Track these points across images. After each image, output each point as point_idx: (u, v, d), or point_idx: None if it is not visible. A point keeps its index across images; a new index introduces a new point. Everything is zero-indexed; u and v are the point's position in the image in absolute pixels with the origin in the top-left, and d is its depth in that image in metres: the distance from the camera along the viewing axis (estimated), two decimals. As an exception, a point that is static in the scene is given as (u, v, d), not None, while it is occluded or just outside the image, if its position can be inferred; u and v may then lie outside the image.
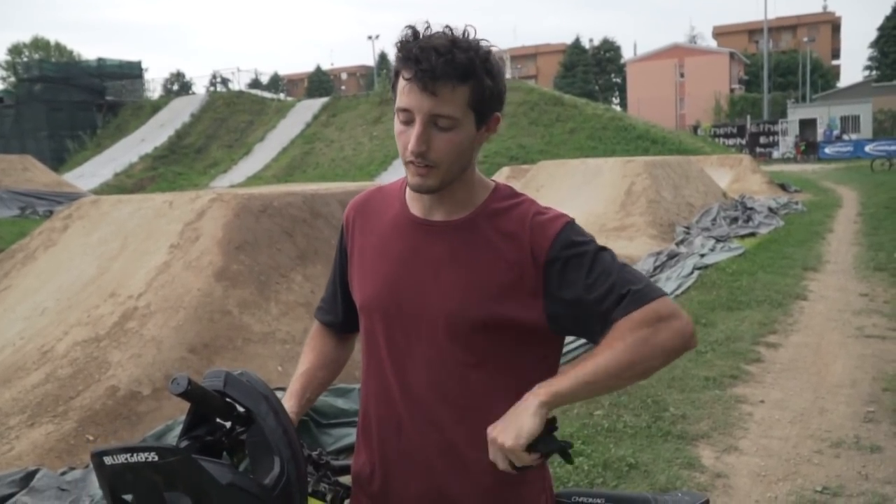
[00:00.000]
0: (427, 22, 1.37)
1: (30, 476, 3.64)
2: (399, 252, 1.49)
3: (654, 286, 1.40)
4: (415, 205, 1.51)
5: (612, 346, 1.32)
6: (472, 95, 1.36)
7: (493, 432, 1.29)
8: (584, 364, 1.33)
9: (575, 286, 1.38)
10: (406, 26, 1.37)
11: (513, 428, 1.26)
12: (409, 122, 1.37)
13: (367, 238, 1.56)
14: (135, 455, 1.20)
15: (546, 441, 1.27)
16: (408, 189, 1.52)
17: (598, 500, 1.58)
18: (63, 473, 3.74)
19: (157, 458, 1.19)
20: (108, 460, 1.21)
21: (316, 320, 1.76)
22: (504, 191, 1.51)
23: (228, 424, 1.39)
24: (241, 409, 1.36)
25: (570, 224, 1.43)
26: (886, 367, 5.56)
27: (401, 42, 1.37)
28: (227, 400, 1.36)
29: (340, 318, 1.69)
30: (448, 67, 1.31)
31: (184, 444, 1.32)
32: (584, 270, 1.38)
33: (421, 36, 1.35)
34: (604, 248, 1.42)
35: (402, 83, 1.36)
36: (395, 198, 1.56)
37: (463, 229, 1.46)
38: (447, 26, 1.37)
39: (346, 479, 1.59)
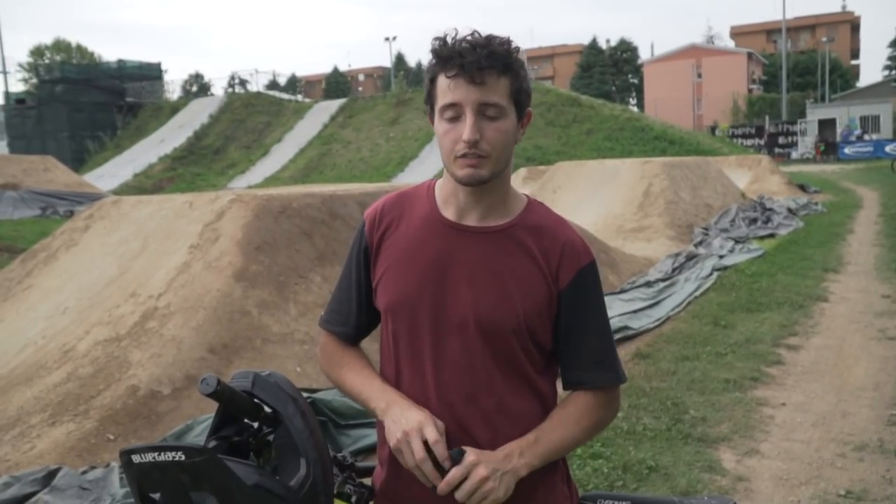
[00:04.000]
0: (455, 29, 1.40)
1: (51, 475, 3.67)
2: (431, 254, 1.48)
3: (620, 362, 1.56)
4: (448, 208, 1.51)
5: (580, 424, 1.49)
6: (511, 86, 1.41)
7: (485, 471, 1.35)
8: (556, 436, 1.46)
9: (569, 320, 1.48)
10: (434, 38, 1.41)
11: (504, 486, 1.37)
12: (456, 118, 1.39)
13: (393, 240, 1.53)
14: (162, 454, 1.21)
15: None
16: (439, 191, 1.54)
17: (625, 503, 1.57)
18: (84, 472, 3.77)
19: (183, 458, 1.21)
20: (136, 458, 1.23)
21: (332, 335, 1.63)
22: (538, 207, 1.55)
23: (256, 425, 1.40)
24: (268, 409, 1.37)
25: (594, 263, 1.51)
26: (910, 371, 5.50)
27: (436, 48, 1.40)
28: (255, 401, 1.36)
29: (357, 326, 1.60)
30: (491, 58, 1.36)
31: (211, 444, 1.33)
32: (586, 312, 1.49)
33: (453, 40, 1.39)
34: (603, 300, 1.55)
35: (444, 83, 1.39)
36: (424, 200, 1.54)
37: (500, 237, 1.47)
38: (474, 31, 1.40)
39: (370, 481, 1.59)
